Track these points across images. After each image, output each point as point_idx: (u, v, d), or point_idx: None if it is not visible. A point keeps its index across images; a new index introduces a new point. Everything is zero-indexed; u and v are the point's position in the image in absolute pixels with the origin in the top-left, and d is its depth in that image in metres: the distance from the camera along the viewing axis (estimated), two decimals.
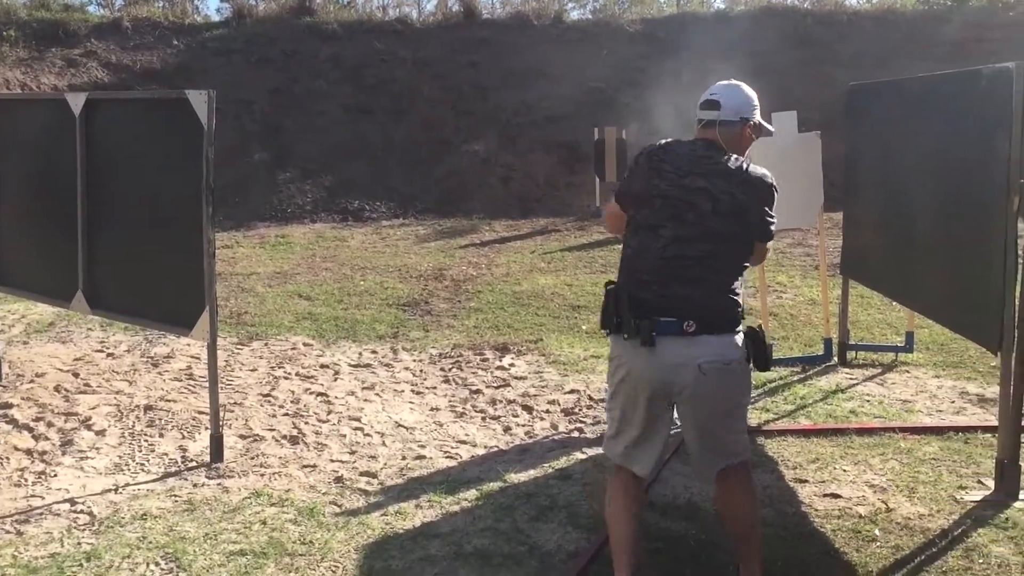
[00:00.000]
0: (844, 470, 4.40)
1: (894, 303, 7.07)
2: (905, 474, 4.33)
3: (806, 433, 4.89)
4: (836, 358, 6.32)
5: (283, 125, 15.82)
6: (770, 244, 3.22)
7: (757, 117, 3.24)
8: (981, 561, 3.47)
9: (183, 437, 4.94)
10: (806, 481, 4.29)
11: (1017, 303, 3.92)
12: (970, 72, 4.28)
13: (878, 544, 3.64)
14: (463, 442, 4.89)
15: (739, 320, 3.05)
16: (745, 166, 3.09)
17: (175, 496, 4.19)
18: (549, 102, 16.32)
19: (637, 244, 3.11)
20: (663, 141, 3.21)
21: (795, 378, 5.99)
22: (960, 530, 3.73)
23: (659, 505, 4.00)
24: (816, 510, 3.98)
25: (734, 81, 3.28)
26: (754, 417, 5.18)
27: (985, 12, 18.01)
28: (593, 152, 14.08)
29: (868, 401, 5.49)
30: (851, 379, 5.96)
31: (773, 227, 3.12)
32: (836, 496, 4.11)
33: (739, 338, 3.04)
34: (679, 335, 2.96)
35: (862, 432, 4.87)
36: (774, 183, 3.10)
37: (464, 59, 17.32)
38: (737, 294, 3.07)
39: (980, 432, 4.79)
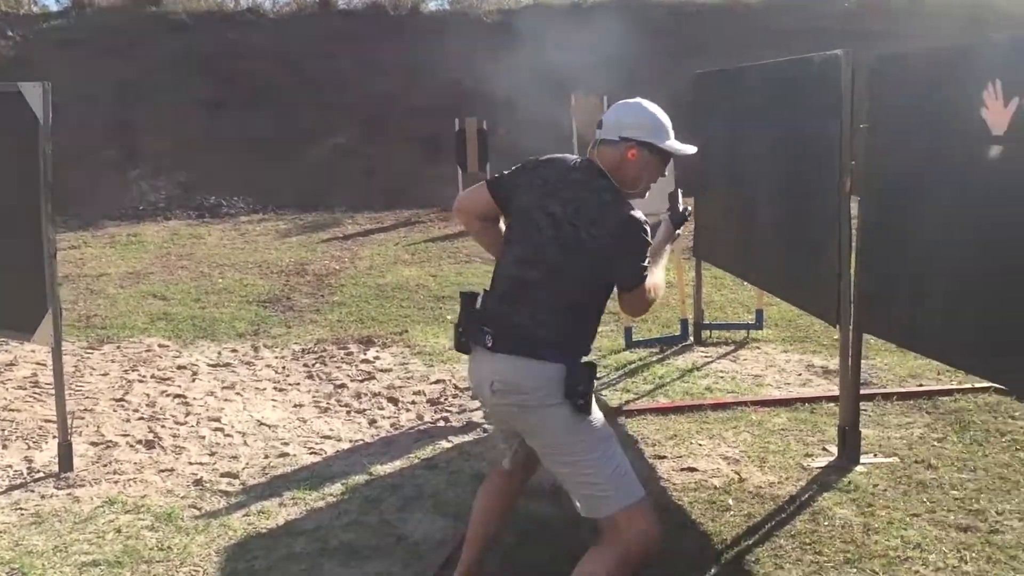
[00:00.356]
0: (700, 444, 4.57)
1: (745, 283, 7.37)
2: (756, 445, 4.53)
3: (664, 411, 5.06)
4: (692, 338, 6.55)
5: (131, 120, 15.18)
6: (655, 294, 2.80)
7: (650, 138, 2.78)
8: (826, 523, 3.67)
9: (29, 447, 4.69)
10: (665, 457, 4.43)
11: (852, 279, 4.16)
12: (803, 59, 4.50)
13: (732, 513, 3.81)
14: (327, 437, 4.83)
15: (560, 354, 2.68)
16: (613, 200, 2.73)
17: (21, 509, 3.97)
18: (409, 93, 16.23)
19: (500, 255, 2.91)
20: (553, 156, 2.92)
21: (654, 358, 6.18)
22: (807, 495, 3.94)
23: (527, 490, 4.05)
24: (674, 484, 4.12)
25: (638, 99, 2.87)
26: (615, 398, 5.32)
27: (826, 2, 18.95)
28: (455, 143, 14.10)
29: (722, 377, 5.72)
30: (706, 357, 6.19)
31: (640, 274, 2.71)
32: (693, 470, 4.26)
33: (552, 369, 2.66)
34: (483, 347, 2.76)
35: (716, 407, 5.06)
36: (642, 225, 2.68)
37: (321, 50, 17.01)
38: (578, 333, 2.77)
39: (824, 402, 5.06)
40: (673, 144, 2.83)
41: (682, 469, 4.27)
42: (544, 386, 2.67)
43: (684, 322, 6.62)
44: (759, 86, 5.20)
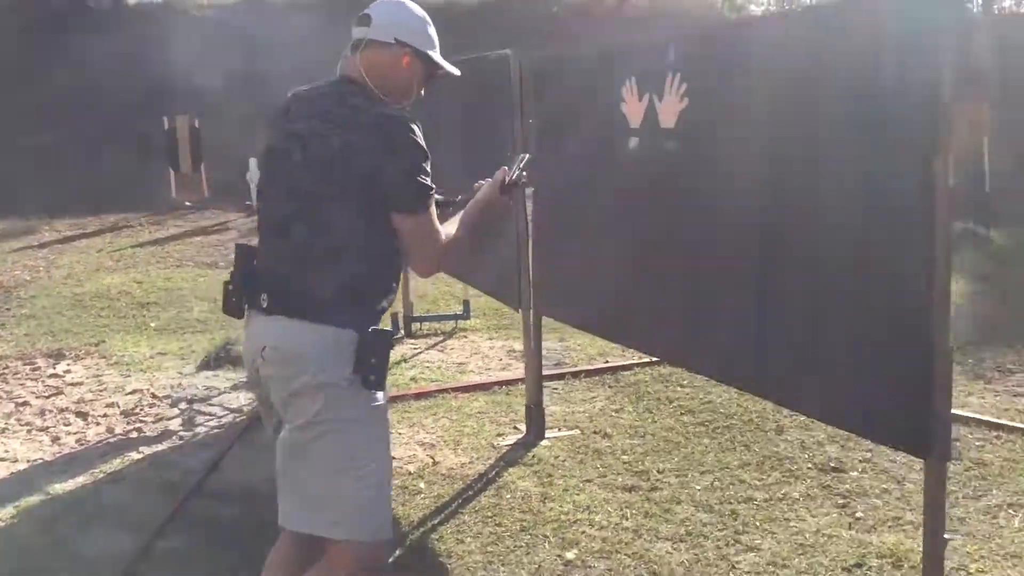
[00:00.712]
0: (400, 433, 4.67)
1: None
2: (453, 429, 4.70)
3: None
4: (403, 331, 6.67)
5: None
6: (450, 245, 2.37)
7: (426, 47, 2.43)
8: (508, 496, 3.88)
9: None
10: None
11: (531, 266, 4.41)
12: (481, 57, 4.71)
13: (423, 496, 3.93)
14: (1, 460, 4.47)
15: (348, 316, 2.22)
16: (366, 101, 2.29)
17: None
18: (115, 90, 15.29)
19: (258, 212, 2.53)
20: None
21: None
22: (494, 472, 4.14)
23: (213, 491, 3.98)
24: None
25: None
26: None
27: (538, 6, 19.95)
28: (166, 142, 13.47)
29: (428, 367, 5.87)
30: (415, 349, 6.33)
31: (417, 192, 2.25)
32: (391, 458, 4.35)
33: (338, 335, 2.20)
34: (259, 310, 2.31)
35: (419, 396, 5.20)
36: (406, 124, 2.24)
37: (11, 43, 15.63)
38: (365, 285, 2.28)
39: (520, 383, 5.31)
40: (441, 59, 2.49)
41: None
42: (327, 356, 2.19)
43: (395, 316, 6.72)
44: (454, 82, 5.37)
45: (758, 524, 3.53)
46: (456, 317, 6.90)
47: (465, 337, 6.61)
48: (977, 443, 4.25)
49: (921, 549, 3.29)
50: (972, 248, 9.65)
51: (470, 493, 3.94)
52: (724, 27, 3.28)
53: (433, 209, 2.31)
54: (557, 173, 4.22)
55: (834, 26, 2.60)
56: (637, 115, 3.49)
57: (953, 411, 4.69)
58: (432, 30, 2.45)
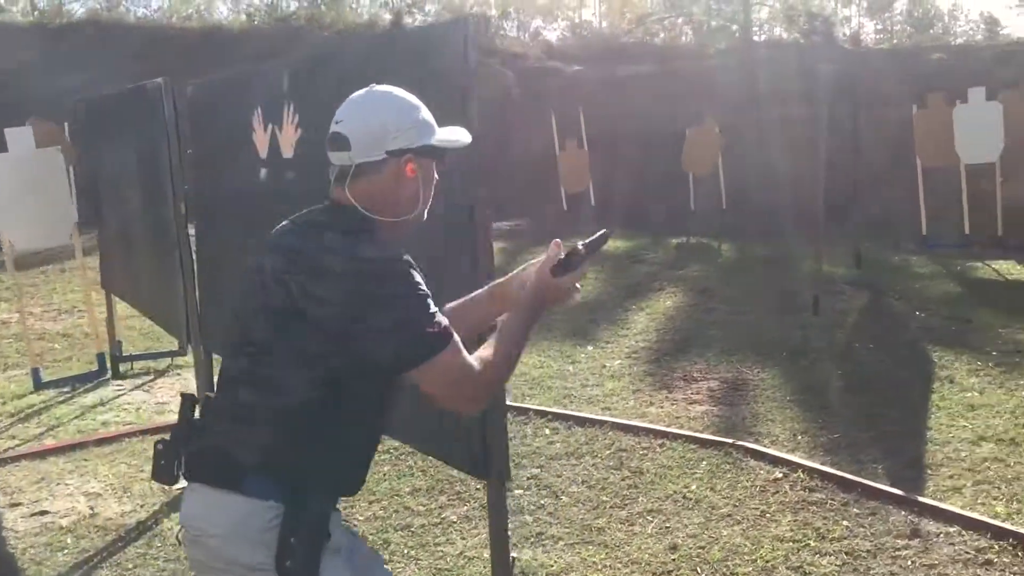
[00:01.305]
0: (67, 484, 4.38)
1: None
2: (127, 476, 4.45)
3: (42, 454, 4.78)
4: (109, 372, 6.32)
5: None
6: (489, 375, 1.80)
7: (425, 138, 1.86)
8: (159, 544, 3.69)
9: None
10: (20, 504, 4.18)
11: (197, 302, 4.26)
12: (138, 87, 4.53)
13: (66, 552, 3.68)
14: None
15: (274, 484, 1.74)
16: (341, 238, 1.78)
17: None
18: None
19: None
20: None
21: (61, 399, 5.85)
22: (154, 520, 3.93)
23: None
24: (16, 532, 3.89)
25: (384, 88, 1.89)
26: None
27: (300, 31, 19.79)
28: None
29: (126, 410, 5.57)
30: (120, 390, 6.00)
31: (414, 342, 1.71)
32: (44, 513, 4.06)
33: (255, 508, 1.72)
34: (183, 475, 1.90)
35: (101, 442, 4.90)
36: (393, 270, 1.73)
37: None
38: (310, 453, 1.77)
39: None
40: (447, 136, 1.93)
41: (33, 514, 4.05)
42: (239, 534, 1.74)
43: (101, 356, 6.35)
44: (121, 111, 5.15)
45: (406, 552, 3.53)
46: (172, 354, 6.60)
47: (179, 375, 6.33)
48: (641, 452, 4.44)
49: (552, 563, 3.40)
50: (701, 262, 10.27)
51: (120, 544, 3.73)
52: (322, 54, 3.38)
53: (452, 346, 1.75)
54: (215, 204, 4.11)
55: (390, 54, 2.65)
56: (264, 145, 3.44)
57: (624, 421, 4.92)
58: (423, 113, 1.89)
